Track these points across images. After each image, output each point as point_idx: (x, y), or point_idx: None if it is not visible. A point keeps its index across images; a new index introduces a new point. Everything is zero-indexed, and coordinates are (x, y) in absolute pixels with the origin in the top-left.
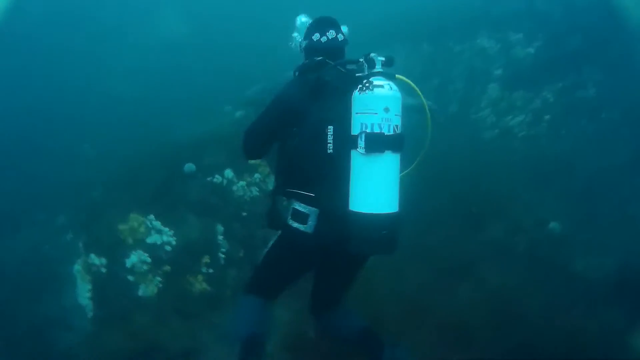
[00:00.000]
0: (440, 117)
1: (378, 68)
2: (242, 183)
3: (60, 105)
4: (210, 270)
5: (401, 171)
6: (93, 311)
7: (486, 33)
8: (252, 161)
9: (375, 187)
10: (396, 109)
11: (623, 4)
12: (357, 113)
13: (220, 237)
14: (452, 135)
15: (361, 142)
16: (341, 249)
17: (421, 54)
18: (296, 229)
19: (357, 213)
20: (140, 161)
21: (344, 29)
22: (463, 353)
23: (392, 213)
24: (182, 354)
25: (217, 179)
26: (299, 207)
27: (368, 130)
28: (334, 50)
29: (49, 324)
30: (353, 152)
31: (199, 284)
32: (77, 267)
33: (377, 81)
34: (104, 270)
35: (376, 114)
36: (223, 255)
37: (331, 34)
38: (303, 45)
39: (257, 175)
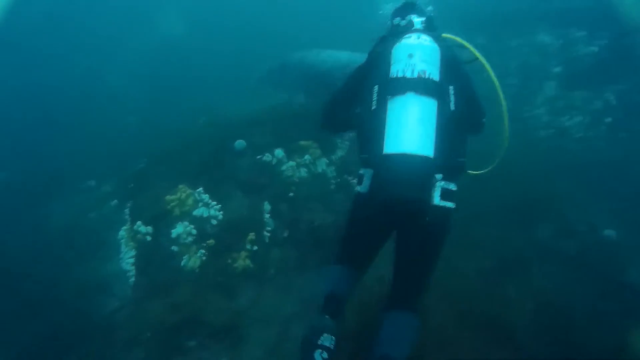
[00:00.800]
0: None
1: (417, 26)
2: (291, 163)
3: (105, 80)
4: (255, 248)
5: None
6: (135, 277)
7: (546, 29)
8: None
9: (400, 128)
10: (422, 56)
11: None
12: (390, 65)
13: (267, 216)
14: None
15: (389, 89)
16: (397, 208)
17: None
18: (356, 192)
19: (386, 155)
20: (188, 136)
21: (429, 7)
22: (504, 351)
23: (421, 155)
24: (223, 329)
25: (267, 157)
26: (360, 171)
27: (393, 76)
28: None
29: (92, 288)
30: (387, 103)
31: (242, 261)
32: (122, 233)
33: (407, 36)
34: (148, 238)
35: (401, 61)
36: (268, 234)
37: (408, 17)
38: (388, 26)
39: (307, 157)
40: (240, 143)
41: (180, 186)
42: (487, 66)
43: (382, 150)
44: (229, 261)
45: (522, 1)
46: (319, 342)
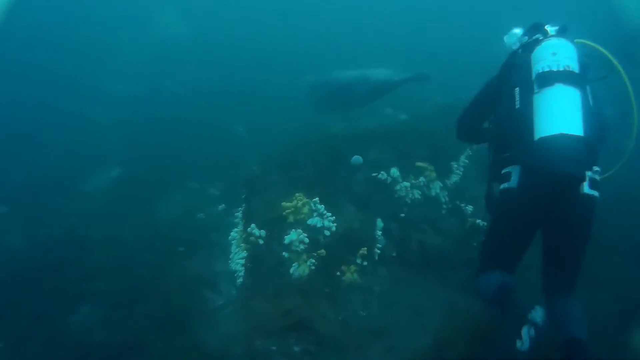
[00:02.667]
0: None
1: (552, 33)
2: (406, 184)
3: (214, 87)
4: (365, 263)
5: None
6: (243, 278)
7: None
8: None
9: (551, 113)
10: (565, 53)
11: None
12: (532, 65)
13: (379, 233)
14: None
15: (535, 84)
16: (549, 196)
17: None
18: (503, 189)
19: (541, 139)
20: (300, 146)
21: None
22: None
23: (575, 135)
24: (329, 338)
25: (382, 175)
26: (504, 170)
27: (539, 72)
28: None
29: (198, 283)
30: (533, 97)
31: (351, 274)
32: (234, 234)
33: (547, 39)
34: (261, 242)
35: (545, 59)
36: (378, 251)
37: (541, 29)
38: (518, 44)
39: (422, 179)
40: (357, 158)
41: (297, 194)
42: (622, 72)
43: (533, 137)
44: (338, 273)
45: None
46: (529, 316)
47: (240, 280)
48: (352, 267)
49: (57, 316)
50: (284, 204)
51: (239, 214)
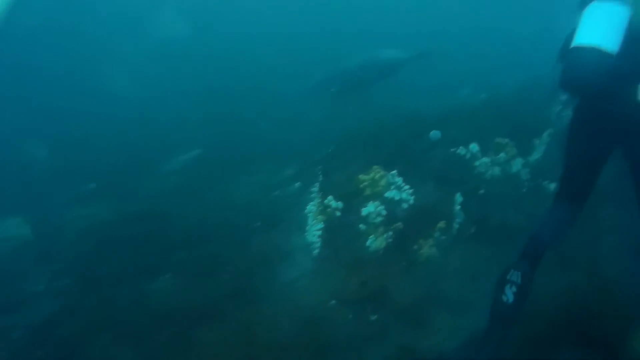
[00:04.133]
0: None
1: None
2: (485, 160)
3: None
4: (443, 237)
5: None
6: (319, 250)
7: None
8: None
9: (591, 24)
10: None
11: None
12: None
13: (458, 207)
14: None
15: None
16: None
17: None
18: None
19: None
20: (378, 124)
21: None
22: None
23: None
24: (406, 310)
25: (461, 150)
26: None
27: None
28: None
29: (274, 256)
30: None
31: (428, 249)
32: (311, 207)
33: None
34: (338, 213)
35: None
36: (457, 226)
37: None
38: None
39: (502, 155)
40: (435, 133)
41: (375, 167)
42: None
43: None
44: (415, 247)
45: None
46: (507, 277)
47: (316, 251)
48: (430, 241)
49: (139, 283)
50: (361, 176)
51: (316, 189)
